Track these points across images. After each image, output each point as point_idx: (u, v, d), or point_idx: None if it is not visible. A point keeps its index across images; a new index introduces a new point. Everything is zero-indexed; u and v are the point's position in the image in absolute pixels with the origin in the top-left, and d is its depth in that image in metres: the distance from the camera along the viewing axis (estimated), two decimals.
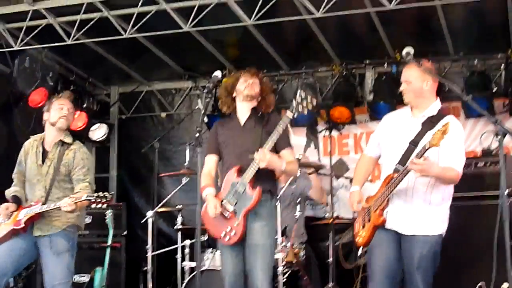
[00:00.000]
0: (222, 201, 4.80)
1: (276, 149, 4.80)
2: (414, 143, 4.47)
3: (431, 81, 4.57)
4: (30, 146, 5.37)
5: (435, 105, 4.61)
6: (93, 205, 4.95)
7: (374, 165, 4.94)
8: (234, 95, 5.03)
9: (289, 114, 4.69)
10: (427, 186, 4.47)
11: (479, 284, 5.10)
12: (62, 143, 5.29)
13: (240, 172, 4.76)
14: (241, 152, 4.81)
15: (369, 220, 4.61)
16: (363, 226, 4.66)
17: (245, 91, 4.94)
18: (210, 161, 5.01)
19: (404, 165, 4.41)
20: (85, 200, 4.92)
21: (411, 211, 4.49)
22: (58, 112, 5.30)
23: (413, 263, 4.43)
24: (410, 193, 4.50)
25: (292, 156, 4.93)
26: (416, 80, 4.55)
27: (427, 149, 4.21)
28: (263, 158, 4.59)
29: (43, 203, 5.12)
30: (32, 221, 5.12)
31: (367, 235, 4.61)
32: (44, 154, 5.29)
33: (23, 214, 5.12)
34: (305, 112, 4.70)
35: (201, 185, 4.84)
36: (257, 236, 4.71)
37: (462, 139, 4.61)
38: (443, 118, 4.50)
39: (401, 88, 4.62)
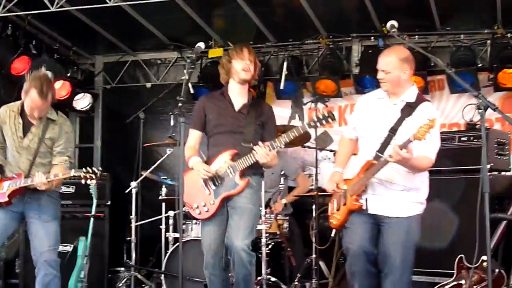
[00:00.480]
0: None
1: (261, 138, 4.84)
2: (393, 131, 4.48)
3: (408, 70, 4.55)
4: (7, 115, 5.27)
5: (412, 91, 4.61)
6: (83, 181, 5.03)
7: (355, 145, 4.92)
8: (229, 68, 4.96)
9: (302, 127, 4.66)
10: (406, 171, 4.48)
11: (459, 256, 5.16)
12: (47, 118, 5.24)
13: (235, 156, 4.78)
14: (235, 138, 4.83)
15: (344, 204, 4.62)
16: (338, 209, 4.67)
17: (242, 74, 4.89)
18: (195, 135, 5.02)
19: (382, 153, 4.46)
20: (61, 178, 4.94)
21: (392, 196, 4.52)
22: (30, 109, 5.16)
23: (391, 240, 4.47)
24: (390, 179, 4.51)
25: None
26: (394, 69, 4.51)
27: (410, 141, 4.22)
28: (264, 157, 4.65)
29: (26, 176, 5.11)
30: (14, 194, 5.11)
31: (341, 218, 4.64)
32: (25, 126, 5.23)
33: (6, 187, 5.11)
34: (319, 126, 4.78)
35: (186, 156, 4.87)
36: (245, 200, 4.77)
37: (438, 125, 4.55)
38: (421, 104, 4.54)
39: (379, 77, 4.58)
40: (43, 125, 5.21)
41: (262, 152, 4.64)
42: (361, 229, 4.57)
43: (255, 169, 4.85)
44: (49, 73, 5.54)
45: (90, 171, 4.96)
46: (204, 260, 4.87)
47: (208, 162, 4.91)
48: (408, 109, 4.52)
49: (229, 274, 5.00)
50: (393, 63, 4.52)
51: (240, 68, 4.88)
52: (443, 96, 7.79)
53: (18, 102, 5.31)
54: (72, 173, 4.97)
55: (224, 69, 4.98)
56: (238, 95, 4.97)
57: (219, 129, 4.90)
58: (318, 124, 4.63)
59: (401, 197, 4.51)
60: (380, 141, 4.53)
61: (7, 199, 5.07)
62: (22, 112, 5.25)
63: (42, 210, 5.18)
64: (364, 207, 4.56)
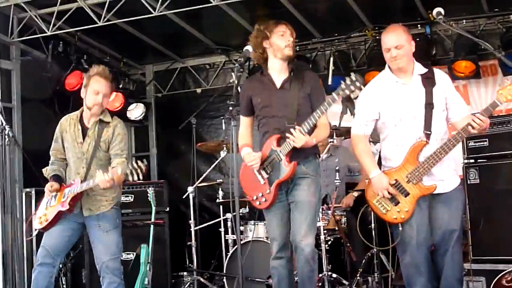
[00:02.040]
0: (262, 163, 4.75)
1: (311, 108, 4.71)
2: (429, 105, 4.44)
3: (413, 41, 4.57)
4: (67, 124, 5.39)
5: (418, 64, 4.61)
6: (130, 178, 4.95)
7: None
8: (265, 47, 4.80)
9: (335, 95, 4.45)
10: None
11: None
12: (101, 121, 5.34)
13: (280, 140, 4.68)
14: (280, 118, 4.71)
15: (406, 195, 4.48)
16: (397, 203, 4.52)
17: (287, 50, 4.75)
18: (244, 122, 4.95)
19: (430, 130, 4.41)
20: (121, 173, 4.97)
21: (443, 171, 4.49)
22: (93, 98, 5.25)
23: (450, 216, 4.47)
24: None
25: (325, 117, 4.73)
26: (407, 43, 4.50)
27: (497, 105, 4.28)
28: (298, 141, 4.51)
29: (83, 181, 5.21)
30: (75, 200, 5.21)
31: (411, 209, 4.48)
32: (84, 131, 5.35)
33: (66, 195, 5.22)
34: (352, 94, 4.56)
35: (239, 145, 4.83)
36: (303, 193, 4.68)
37: None
38: (433, 71, 4.58)
39: (393, 54, 4.48)
40: (97, 128, 5.30)
41: (297, 136, 4.49)
42: (420, 217, 4.49)
43: (305, 153, 4.68)
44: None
45: (136, 166, 4.96)
46: (272, 251, 4.81)
47: (260, 149, 4.83)
48: (429, 80, 4.51)
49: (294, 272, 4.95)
50: (402, 36, 4.50)
51: (284, 45, 4.74)
52: (497, 81, 7.61)
53: (77, 111, 5.43)
54: (119, 170, 4.98)
55: (260, 48, 4.81)
56: (279, 72, 4.82)
57: (265, 112, 4.80)
58: (346, 91, 4.38)
59: (450, 169, 4.54)
60: (421, 119, 4.46)
61: (68, 206, 5.18)
62: (81, 120, 5.37)
63: (101, 220, 5.27)
64: None
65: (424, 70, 4.57)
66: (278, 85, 4.79)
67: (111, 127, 5.33)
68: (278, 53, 4.76)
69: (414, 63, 4.59)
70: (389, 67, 4.66)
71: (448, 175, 4.52)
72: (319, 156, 4.98)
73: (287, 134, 4.53)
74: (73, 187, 5.20)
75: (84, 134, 5.33)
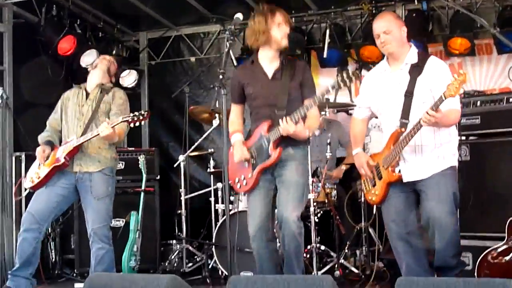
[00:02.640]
0: (248, 148, 4.83)
1: (301, 96, 4.79)
2: (409, 94, 4.48)
3: (405, 27, 4.59)
4: (72, 94, 5.58)
5: (413, 52, 4.61)
6: (132, 125, 5.15)
7: (366, 124, 5.01)
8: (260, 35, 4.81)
9: (329, 88, 4.54)
10: (433, 130, 4.48)
11: (510, 219, 5.08)
12: (102, 87, 5.44)
13: (271, 127, 4.73)
14: (271, 106, 4.76)
15: (380, 178, 4.61)
16: (374, 185, 4.67)
17: (284, 42, 4.81)
18: (235, 109, 5.01)
19: (407, 118, 4.46)
20: (122, 121, 5.06)
21: (423, 158, 4.50)
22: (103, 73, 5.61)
23: (433, 202, 4.42)
24: (419, 143, 4.51)
25: (316, 109, 4.85)
26: (395, 27, 4.54)
27: (443, 101, 4.20)
28: (287, 130, 4.57)
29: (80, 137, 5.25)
30: (71, 155, 5.26)
31: (381, 193, 4.62)
32: (86, 96, 5.52)
33: (61, 151, 5.25)
34: (346, 87, 4.62)
35: (230, 131, 4.91)
36: (291, 173, 4.73)
37: (450, 75, 4.46)
38: (427, 60, 4.54)
39: (382, 40, 4.55)
40: (98, 92, 5.48)
41: (285, 125, 4.56)
42: (396, 202, 4.60)
43: (295, 141, 4.75)
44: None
45: (137, 113, 5.08)
46: (250, 233, 4.85)
47: (249, 137, 4.91)
48: (416, 68, 4.51)
49: (278, 245, 4.99)
50: (391, 21, 4.56)
51: (281, 36, 4.78)
52: (492, 61, 7.59)
53: (83, 84, 5.67)
54: (120, 119, 5.16)
55: (258, 34, 4.80)
56: (270, 61, 4.87)
57: (257, 101, 4.86)
58: (341, 84, 4.48)
59: (434, 155, 4.50)
60: (399, 108, 4.52)
61: (63, 160, 5.22)
62: (85, 88, 5.59)
63: (93, 186, 5.29)
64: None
65: (415, 60, 4.57)
66: (270, 75, 4.85)
67: (111, 91, 5.54)
68: (275, 44, 4.80)
69: (409, 51, 4.62)
70: (386, 57, 4.75)
71: (428, 161, 4.50)
72: (309, 143, 5.03)
73: (279, 122, 4.59)
74: (69, 144, 5.22)
75: (86, 98, 5.46)
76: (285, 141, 4.69)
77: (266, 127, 4.76)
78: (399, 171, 4.55)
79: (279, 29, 4.77)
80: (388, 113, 4.64)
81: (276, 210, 4.86)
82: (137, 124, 5.15)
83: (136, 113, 5.12)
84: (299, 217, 4.68)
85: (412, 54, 4.60)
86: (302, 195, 4.79)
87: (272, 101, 4.77)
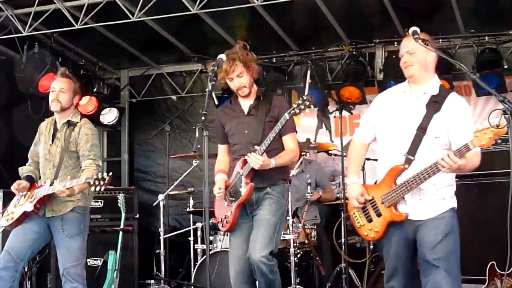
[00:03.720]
0: (228, 187, 4.80)
1: (280, 135, 4.70)
2: (422, 129, 4.09)
3: (433, 53, 4.20)
4: (44, 127, 5.42)
5: (435, 82, 4.21)
6: (92, 189, 4.90)
7: (366, 152, 4.52)
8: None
9: (286, 115, 4.47)
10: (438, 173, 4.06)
11: (491, 263, 5.09)
12: (69, 122, 5.31)
13: (246, 164, 4.65)
14: (246, 142, 4.72)
15: (378, 215, 4.21)
16: (370, 220, 4.26)
17: (240, 93, 4.80)
18: (221, 150, 5.01)
19: (413, 155, 4.08)
20: (84, 181, 4.93)
21: (422, 198, 4.11)
22: (50, 96, 5.29)
23: (429, 245, 4.03)
24: (424, 187, 4.11)
25: (293, 142, 4.77)
26: (421, 51, 4.14)
27: (469, 150, 3.80)
28: (255, 163, 4.51)
29: (52, 183, 5.16)
30: (41, 203, 5.15)
31: (381, 231, 4.21)
32: (54, 133, 5.33)
33: (34, 196, 5.17)
34: (303, 112, 4.47)
35: (215, 171, 4.91)
36: (264, 211, 4.66)
37: (471, 116, 4.22)
38: (447, 96, 4.14)
39: (404, 60, 4.18)
40: (65, 130, 5.28)
41: (252, 158, 4.51)
42: (396, 245, 4.19)
43: (270, 179, 4.70)
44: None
45: (100, 177, 4.91)
46: (231, 276, 4.76)
47: (231, 174, 4.88)
48: (434, 103, 4.12)
49: None
50: (417, 44, 4.12)
51: (235, 89, 4.79)
52: (471, 103, 7.63)
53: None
54: (83, 180, 4.93)
55: (222, 81, 4.83)
56: (246, 99, 4.86)
57: (234, 138, 4.85)
58: (296, 110, 4.40)
59: (433, 197, 4.10)
60: (408, 142, 4.11)
61: (32, 208, 5.13)
62: (55, 123, 5.36)
63: (65, 224, 5.20)
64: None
65: (435, 91, 4.17)
66: (246, 111, 4.84)
67: (77, 127, 5.29)
68: (235, 92, 4.83)
69: (432, 80, 4.21)
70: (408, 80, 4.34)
71: (429, 202, 4.10)
72: (289, 182, 4.99)
73: (246, 156, 4.56)
74: (41, 189, 5.15)
75: (53, 136, 5.31)
76: (262, 179, 4.64)
77: (241, 163, 4.71)
78: (402, 211, 4.15)
79: (232, 83, 4.77)
80: (393, 143, 4.22)
81: None
82: (97, 189, 5.01)
83: (99, 177, 4.94)
84: (267, 255, 4.54)
85: (434, 84, 4.20)
86: (273, 233, 4.64)
87: (248, 137, 4.73)
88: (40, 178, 5.38)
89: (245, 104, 4.86)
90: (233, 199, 4.73)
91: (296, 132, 4.93)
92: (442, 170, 3.89)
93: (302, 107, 4.39)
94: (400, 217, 4.12)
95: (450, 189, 4.19)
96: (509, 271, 4.87)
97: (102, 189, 4.86)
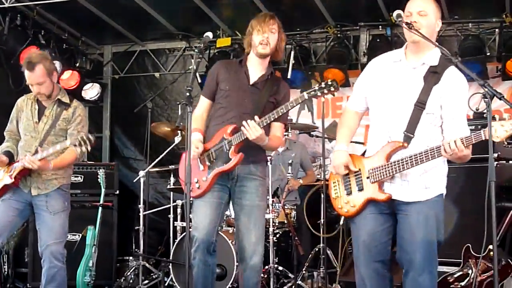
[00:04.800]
0: (207, 150, 4.55)
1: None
2: (420, 105, 3.78)
3: (440, 20, 3.88)
4: (24, 104, 5.32)
5: (436, 52, 3.86)
6: (78, 150, 4.87)
7: (359, 120, 4.20)
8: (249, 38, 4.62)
9: (305, 94, 4.21)
10: None
11: (466, 246, 5.16)
12: (59, 101, 5.26)
13: (235, 131, 4.46)
14: (242, 111, 4.50)
15: (360, 190, 3.93)
16: (349, 193, 3.99)
17: (259, 48, 4.55)
18: (204, 104, 4.74)
19: (413, 133, 3.78)
20: (58, 149, 4.91)
21: (409, 178, 3.84)
22: (33, 89, 5.18)
23: (410, 232, 3.79)
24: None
25: (280, 131, 4.64)
26: (433, 14, 3.81)
27: (481, 140, 3.56)
28: (252, 132, 4.30)
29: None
30: (22, 175, 5.12)
31: (358, 207, 3.94)
32: (40, 110, 5.27)
33: (13, 169, 5.14)
34: (323, 97, 4.22)
35: (192, 128, 4.51)
36: (252, 196, 4.51)
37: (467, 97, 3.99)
38: (447, 68, 3.81)
39: (413, 19, 3.75)
40: (55, 107, 5.23)
41: (251, 126, 4.28)
42: (374, 223, 3.92)
43: (255, 156, 4.53)
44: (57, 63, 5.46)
45: (85, 138, 4.78)
46: (194, 242, 4.45)
47: (208, 136, 4.61)
48: (433, 75, 3.79)
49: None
50: (431, 5, 3.82)
51: (258, 42, 4.54)
52: None
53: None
54: (63, 145, 4.90)
55: (247, 39, 4.65)
56: (256, 68, 4.63)
57: (228, 101, 4.58)
58: (318, 93, 4.16)
59: (421, 180, 3.84)
60: (405, 118, 3.81)
61: (13, 179, 5.10)
62: (38, 100, 5.29)
63: (50, 201, 5.19)
64: None
65: (435, 61, 3.84)
66: (252, 80, 4.62)
67: (71, 107, 5.26)
68: (254, 49, 4.59)
69: (433, 50, 3.86)
70: (406, 45, 3.99)
71: (416, 186, 3.84)
72: (270, 162, 4.91)
73: (243, 124, 4.33)
74: (22, 162, 5.11)
75: (40, 114, 5.24)
76: (246, 154, 4.42)
77: (230, 129, 4.48)
78: (386, 191, 3.88)
79: (257, 34, 4.54)
80: (388, 118, 3.90)
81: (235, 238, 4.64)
82: (83, 149, 4.92)
83: (84, 138, 4.87)
84: (262, 249, 4.49)
85: (434, 54, 3.85)
86: (264, 219, 4.61)
87: (244, 107, 4.52)
88: (17, 155, 5.34)
89: (254, 73, 4.64)
90: (212, 165, 4.50)
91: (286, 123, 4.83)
92: (443, 155, 3.65)
93: (326, 91, 4.15)
94: (383, 197, 3.85)
95: (440, 171, 3.93)
96: (484, 253, 4.93)
97: (89, 148, 4.81)
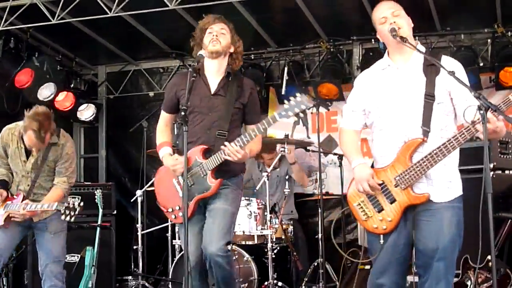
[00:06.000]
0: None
1: (243, 120, 4.51)
2: (430, 97, 3.71)
3: (410, 20, 3.90)
4: (10, 139, 5.32)
5: (420, 48, 3.84)
6: (63, 217, 4.96)
7: (359, 138, 4.10)
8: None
9: (276, 115, 4.12)
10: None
11: (464, 257, 5.16)
12: (48, 143, 5.26)
13: (206, 153, 4.34)
14: (209, 126, 4.37)
15: (392, 201, 3.74)
16: (380, 210, 3.78)
17: (210, 46, 4.38)
18: (166, 118, 4.66)
19: (429, 126, 3.69)
20: (45, 210, 4.99)
21: (433, 176, 3.73)
22: (29, 141, 5.16)
23: (433, 237, 3.70)
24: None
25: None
26: (403, 11, 3.88)
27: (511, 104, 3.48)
28: (233, 156, 4.20)
29: (25, 197, 5.15)
30: (9, 219, 5.14)
31: (396, 219, 3.73)
32: (27, 149, 5.28)
33: (5, 209, 5.13)
34: (296, 115, 4.13)
35: (157, 143, 4.53)
36: (220, 201, 4.36)
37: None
38: (440, 58, 3.80)
39: (392, 21, 3.79)
40: (44, 149, 5.25)
41: (231, 150, 4.17)
42: (399, 233, 3.77)
43: (231, 171, 4.41)
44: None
45: (71, 206, 4.91)
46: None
47: (178, 154, 4.45)
48: (432, 67, 3.75)
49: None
50: (399, 6, 3.88)
51: (208, 41, 4.41)
52: None
53: (19, 125, 5.28)
54: (54, 206, 5.00)
55: (196, 42, 4.52)
56: (214, 74, 4.46)
57: (193, 117, 4.39)
58: (289, 112, 4.07)
59: (443, 179, 3.75)
60: (419, 113, 3.72)
61: (2, 223, 5.12)
62: (23, 137, 5.26)
63: (49, 222, 5.21)
64: None
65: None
66: (213, 89, 4.45)
67: (59, 146, 5.30)
68: (206, 51, 4.40)
69: (417, 45, 3.84)
70: (387, 52, 3.98)
71: (438, 185, 3.74)
72: (243, 173, 4.64)
73: (222, 147, 4.23)
74: (13, 204, 5.12)
75: (27, 152, 5.25)
76: (222, 171, 4.34)
77: (201, 152, 4.35)
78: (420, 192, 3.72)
79: (207, 35, 4.44)
80: (399, 118, 3.79)
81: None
82: (67, 218, 4.96)
83: (70, 206, 4.89)
84: (224, 247, 4.25)
85: (420, 49, 3.82)
86: (230, 223, 4.38)
87: (212, 121, 4.37)
88: (11, 183, 5.34)
89: (213, 80, 4.47)
90: (192, 191, 4.34)
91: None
92: (476, 135, 3.52)
93: (297, 110, 4.05)
94: (422, 198, 3.69)
95: (457, 171, 3.85)
96: (482, 264, 4.93)
97: (72, 219, 4.93)
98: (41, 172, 5.22)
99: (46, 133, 5.10)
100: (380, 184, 3.77)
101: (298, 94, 4.09)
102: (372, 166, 3.93)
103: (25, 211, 5.01)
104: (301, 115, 4.19)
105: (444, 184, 3.75)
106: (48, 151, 5.23)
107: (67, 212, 4.90)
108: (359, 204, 3.86)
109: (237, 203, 4.55)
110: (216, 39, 4.40)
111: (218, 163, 4.29)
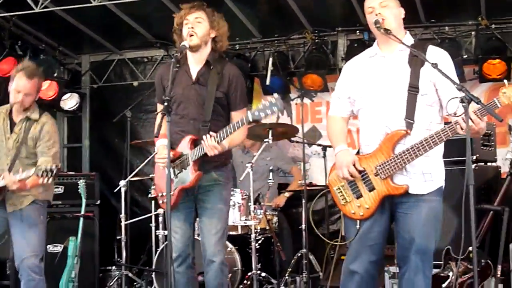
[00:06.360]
0: (178, 157, 4.42)
1: (228, 108, 4.47)
2: (414, 89, 3.74)
3: (402, 8, 3.94)
4: None
5: (408, 38, 3.91)
6: (40, 181, 4.73)
7: (347, 125, 4.13)
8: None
9: (249, 115, 4.05)
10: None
11: (446, 248, 5.20)
12: (28, 118, 5.20)
13: (194, 144, 4.36)
14: (191, 116, 4.41)
15: (371, 189, 3.81)
16: (359, 196, 3.85)
17: (188, 41, 4.34)
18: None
19: (412, 118, 3.73)
20: (33, 175, 4.82)
21: (411, 167, 3.78)
22: (14, 96, 5.10)
23: (411, 228, 3.77)
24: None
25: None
26: (393, 3, 3.88)
27: (497, 107, 3.50)
28: (210, 150, 4.19)
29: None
30: None
31: (373, 207, 3.81)
32: (12, 126, 5.21)
33: None
34: (268, 117, 4.07)
35: (155, 134, 4.43)
36: (214, 199, 4.41)
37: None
38: (427, 48, 3.84)
39: (378, 12, 3.81)
40: (24, 125, 5.15)
41: (210, 144, 4.17)
42: (375, 221, 3.83)
43: (216, 162, 4.39)
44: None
45: (48, 168, 4.70)
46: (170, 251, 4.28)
47: (174, 142, 4.43)
48: (416, 58, 3.76)
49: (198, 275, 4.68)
50: None
51: (185, 35, 4.39)
52: None
53: (7, 105, 5.26)
54: (32, 172, 4.80)
55: (177, 34, 4.51)
56: (196, 63, 4.46)
57: (179, 109, 4.41)
58: (261, 114, 4.01)
59: (421, 171, 3.79)
60: (403, 104, 3.76)
61: None
62: (10, 113, 5.22)
63: (24, 215, 5.09)
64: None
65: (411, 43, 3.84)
66: (194, 76, 4.45)
67: (39, 124, 5.18)
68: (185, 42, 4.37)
69: (405, 36, 3.90)
70: (376, 42, 4.00)
71: (421, 175, 3.80)
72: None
73: (202, 140, 4.23)
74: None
75: (11, 129, 5.19)
76: (207, 162, 4.35)
77: (190, 142, 4.37)
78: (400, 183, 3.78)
79: (184, 28, 4.42)
80: (384, 109, 3.82)
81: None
82: (45, 181, 4.84)
83: (47, 168, 4.80)
84: (223, 250, 4.42)
85: (407, 40, 3.86)
86: (226, 223, 4.52)
87: (196, 111, 4.39)
88: None
89: (194, 69, 4.47)
90: (176, 177, 4.41)
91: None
92: (459, 132, 3.53)
93: (269, 112, 3.98)
94: (400, 189, 3.75)
95: (440, 162, 3.90)
96: (464, 255, 4.96)
97: (50, 180, 4.72)
98: (20, 150, 5.11)
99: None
100: (361, 171, 3.84)
101: (275, 95, 4.03)
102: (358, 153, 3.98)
103: (14, 179, 4.87)
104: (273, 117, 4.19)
105: (423, 176, 3.80)
106: (28, 128, 5.13)
107: (44, 174, 4.67)
108: (339, 189, 3.94)
109: (229, 200, 4.72)
110: (192, 31, 4.38)
111: (200, 155, 4.30)
